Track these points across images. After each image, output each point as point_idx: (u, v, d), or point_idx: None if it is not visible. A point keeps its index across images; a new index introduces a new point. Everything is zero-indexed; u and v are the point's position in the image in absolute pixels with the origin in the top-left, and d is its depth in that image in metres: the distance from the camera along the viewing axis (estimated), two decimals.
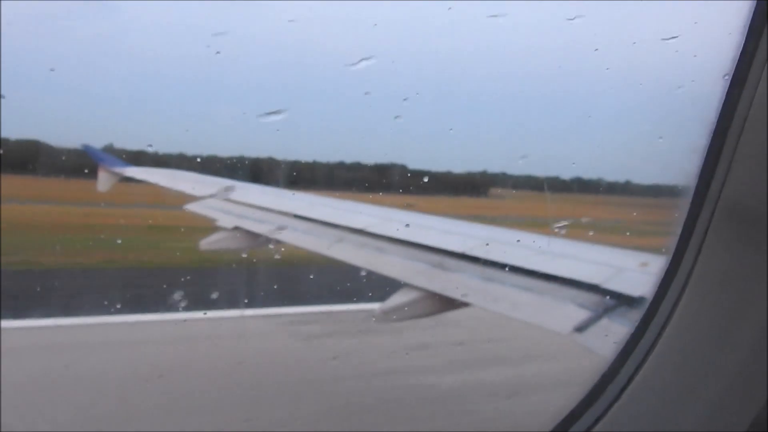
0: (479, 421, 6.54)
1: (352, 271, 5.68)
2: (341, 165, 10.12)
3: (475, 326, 7.32)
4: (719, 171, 1.57)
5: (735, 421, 1.57)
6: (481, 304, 4.71)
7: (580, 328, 3.94)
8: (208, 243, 7.01)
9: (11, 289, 8.29)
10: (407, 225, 6.03)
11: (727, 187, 1.56)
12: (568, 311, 4.14)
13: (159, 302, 8.43)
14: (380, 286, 5.44)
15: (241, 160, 8.94)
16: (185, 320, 7.48)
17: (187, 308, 7.25)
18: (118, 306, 8.63)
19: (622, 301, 4.01)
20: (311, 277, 9.44)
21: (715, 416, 1.61)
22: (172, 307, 7.10)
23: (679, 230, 1.71)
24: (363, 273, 5.61)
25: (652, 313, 1.79)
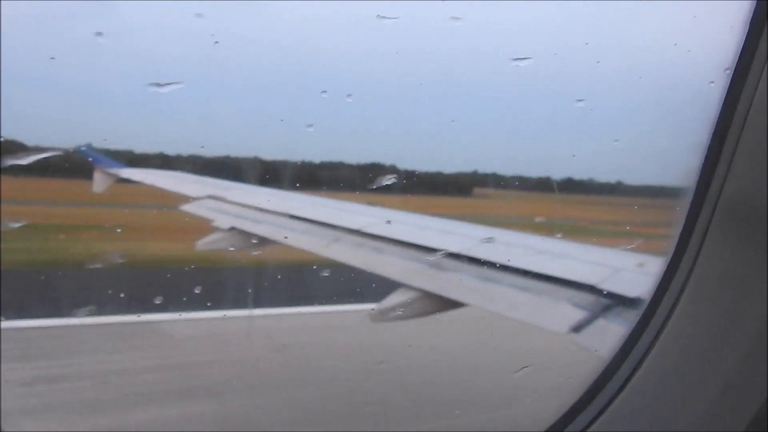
0: (478, 422, 6.55)
1: (348, 271, 5.68)
2: (339, 165, 10.11)
3: (472, 326, 7.31)
4: (719, 170, 1.57)
5: (733, 421, 1.58)
6: (478, 304, 4.72)
7: (577, 328, 3.95)
8: (204, 243, 7.00)
9: (11, 289, 8.26)
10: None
11: (728, 186, 1.56)
12: (565, 311, 4.15)
13: (156, 302, 8.41)
14: (378, 286, 5.44)
15: (237, 160, 8.94)
16: (185, 320, 7.46)
17: (186, 308, 7.24)
18: (116, 306, 8.60)
19: (616, 301, 4.02)
20: (308, 277, 9.43)
21: (713, 416, 1.61)
22: (169, 307, 7.09)
23: (678, 230, 1.71)
24: (360, 273, 5.62)
25: (651, 313, 1.79)
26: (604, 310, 4.00)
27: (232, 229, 7.06)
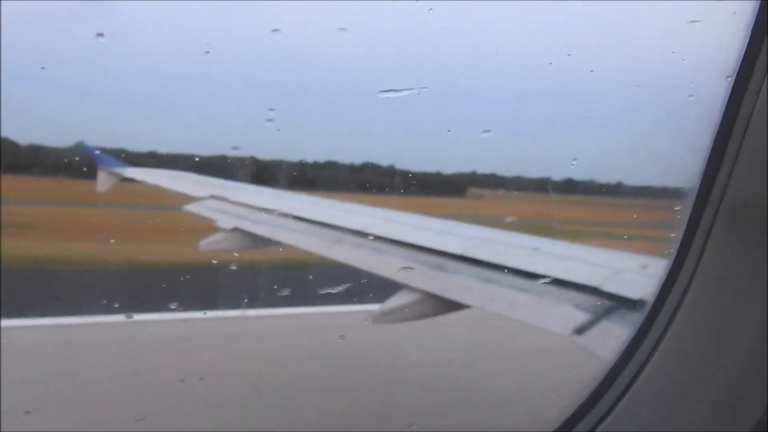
0: (478, 421, 6.54)
1: (351, 272, 5.68)
2: (341, 166, 10.12)
3: (475, 327, 7.30)
4: (722, 172, 1.56)
5: (737, 422, 1.57)
6: (481, 306, 4.72)
7: (580, 330, 3.94)
8: (207, 244, 7.01)
9: (10, 288, 8.27)
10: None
11: (731, 188, 1.55)
12: (567, 313, 4.14)
13: (158, 302, 8.42)
14: (380, 288, 5.44)
15: (240, 160, 8.94)
16: (185, 320, 7.47)
17: (185, 308, 7.24)
18: (118, 306, 8.62)
19: (619, 303, 4.00)
20: (310, 278, 9.43)
21: (718, 417, 1.61)
22: (170, 307, 7.08)
23: (681, 232, 1.71)
24: (362, 274, 5.62)
25: (655, 314, 1.79)
26: (607, 312, 3.99)
27: (235, 229, 7.07)
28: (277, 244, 6.77)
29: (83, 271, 9.76)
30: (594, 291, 4.23)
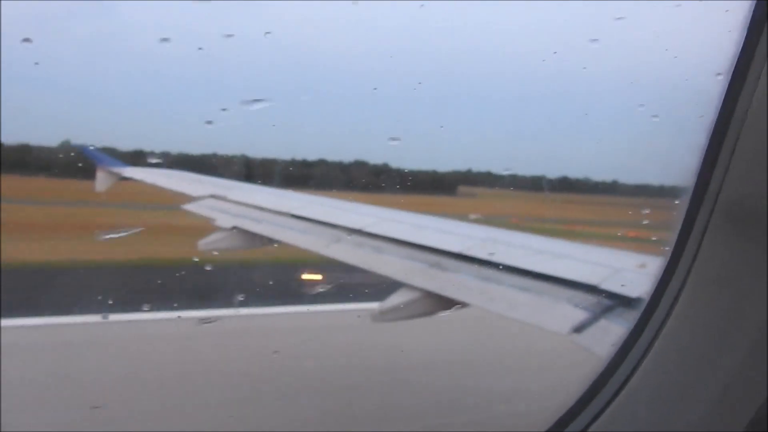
0: (476, 420, 6.54)
1: (350, 270, 5.69)
2: (341, 165, 10.13)
3: (473, 326, 7.31)
4: (718, 170, 1.56)
5: (733, 421, 1.57)
6: (479, 304, 4.71)
7: (579, 329, 3.94)
8: (206, 243, 7.01)
9: (10, 288, 8.27)
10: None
11: (726, 186, 1.55)
12: (566, 312, 4.14)
13: (157, 301, 8.43)
14: (379, 286, 5.45)
15: (239, 160, 8.95)
16: (181, 318, 7.48)
17: (182, 307, 7.23)
18: (118, 305, 8.62)
19: (618, 302, 4.00)
20: (310, 277, 9.44)
21: (713, 416, 1.61)
22: (166, 306, 7.10)
23: (677, 230, 1.71)
24: (361, 273, 5.62)
25: (650, 313, 1.79)
26: (606, 311, 3.99)
27: (234, 228, 7.07)
28: (276, 242, 6.77)
29: (81, 270, 9.76)
30: (592, 289, 4.23)
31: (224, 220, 7.30)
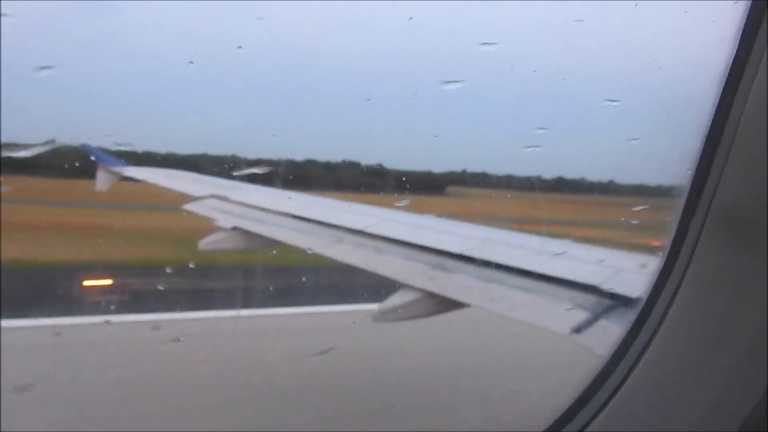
0: (476, 420, 6.55)
1: (350, 271, 5.69)
2: (338, 165, 10.13)
3: (474, 326, 7.31)
4: (713, 173, 1.56)
5: (729, 421, 1.58)
6: (480, 305, 4.72)
7: (579, 329, 3.94)
8: (206, 243, 7.01)
9: (10, 288, 8.28)
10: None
11: (721, 189, 1.55)
12: (566, 312, 4.14)
13: (157, 301, 8.43)
14: (379, 287, 5.45)
15: (240, 160, 8.95)
16: (183, 319, 7.48)
17: (181, 308, 7.23)
18: (117, 305, 8.63)
19: (618, 302, 4.01)
20: (310, 277, 9.44)
21: (709, 416, 1.61)
22: (165, 307, 7.10)
23: (673, 232, 1.71)
24: (362, 273, 5.63)
25: (647, 314, 1.79)
26: (606, 311, 3.99)
27: (235, 228, 7.07)
28: (277, 243, 6.77)
29: (80, 270, 9.77)
30: (593, 289, 4.23)
31: (225, 221, 7.30)
